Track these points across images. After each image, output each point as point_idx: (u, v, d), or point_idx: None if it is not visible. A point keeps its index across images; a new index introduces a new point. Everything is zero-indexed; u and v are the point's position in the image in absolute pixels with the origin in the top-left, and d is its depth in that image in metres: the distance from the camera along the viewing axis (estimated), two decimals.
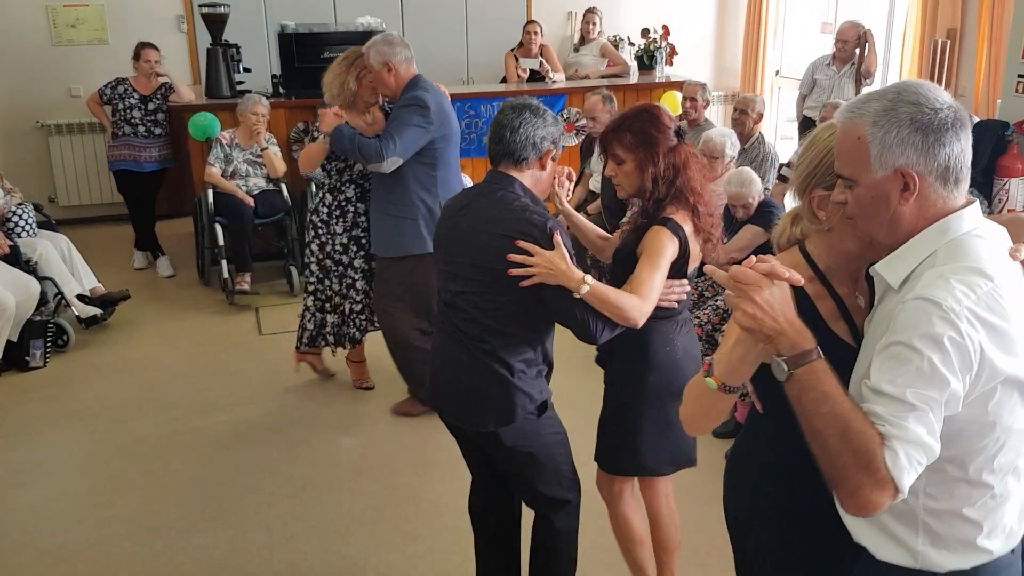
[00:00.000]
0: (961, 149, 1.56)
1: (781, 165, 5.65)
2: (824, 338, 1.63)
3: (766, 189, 5.35)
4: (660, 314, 2.64)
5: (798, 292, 1.64)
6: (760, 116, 5.79)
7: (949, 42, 6.17)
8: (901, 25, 7.29)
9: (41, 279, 5.23)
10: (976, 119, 4.99)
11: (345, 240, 4.42)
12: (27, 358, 5.08)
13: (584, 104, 6.00)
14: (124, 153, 6.48)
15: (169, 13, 7.77)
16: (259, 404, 4.67)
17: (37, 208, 5.86)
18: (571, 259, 2.48)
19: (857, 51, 6.76)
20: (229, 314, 5.88)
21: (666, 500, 3.01)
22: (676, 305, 2.70)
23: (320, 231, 4.44)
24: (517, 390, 2.60)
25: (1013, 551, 1.70)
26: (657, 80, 7.80)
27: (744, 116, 5.70)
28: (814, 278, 1.77)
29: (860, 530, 1.71)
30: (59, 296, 5.37)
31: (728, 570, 2.18)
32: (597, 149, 5.65)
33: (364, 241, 4.43)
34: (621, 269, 2.65)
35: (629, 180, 2.65)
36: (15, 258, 5.17)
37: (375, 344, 4.63)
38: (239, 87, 6.85)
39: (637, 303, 2.49)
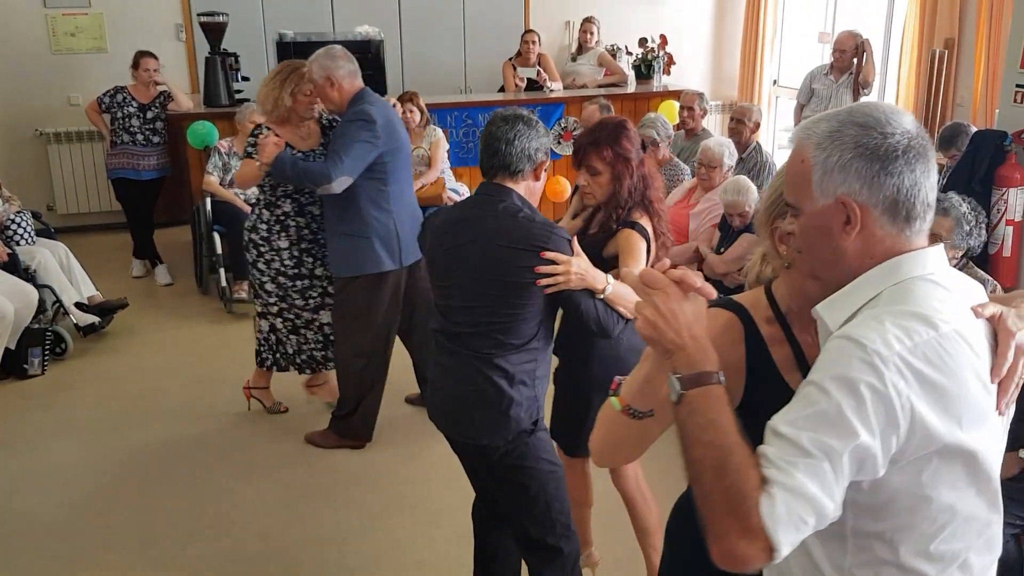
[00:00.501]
0: (915, 182, 1.35)
1: None
2: (774, 387, 1.50)
3: None
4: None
5: (752, 334, 1.52)
6: (757, 125, 5.80)
7: (947, 52, 6.19)
8: (899, 35, 7.31)
9: (39, 287, 5.23)
10: (974, 129, 5.00)
11: (296, 253, 4.21)
12: (25, 366, 5.07)
13: (582, 113, 6.01)
14: (123, 161, 6.49)
15: (168, 22, 7.79)
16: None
17: (36, 216, 5.86)
18: None
19: (855, 61, 6.77)
20: (227, 322, 5.88)
21: (636, 483, 3.08)
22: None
23: (262, 248, 4.22)
24: (514, 402, 2.60)
25: None
26: (655, 89, 7.83)
27: (741, 125, 5.71)
28: (773, 320, 1.57)
29: None
30: (57, 304, 5.37)
31: None
32: None
33: (316, 251, 4.24)
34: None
35: (602, 190, 2.86)
36: (14, 266, 5.17)
37: None
38: (237, 96, 6.87)
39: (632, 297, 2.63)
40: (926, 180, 1.36)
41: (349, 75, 3.98)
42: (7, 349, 4.92)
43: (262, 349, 4.49)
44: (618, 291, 2.59)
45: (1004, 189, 4.40)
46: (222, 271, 5.98)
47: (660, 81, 8.01)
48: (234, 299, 5.94)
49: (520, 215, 2.56)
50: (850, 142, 1.35)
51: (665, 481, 3.06)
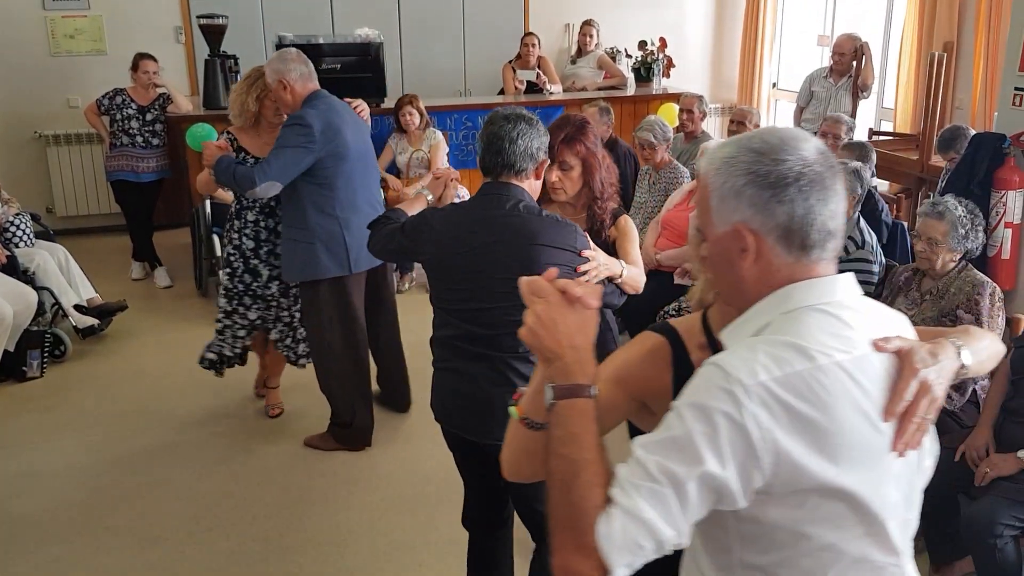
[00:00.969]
0: (808, 209, 1.30)
1: None
2: None
3: None
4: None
5: (681, 359, 1.49)
6: (757, 127, 5.80)
7: (946, 55, 6.19)
8: (898, 38, 7.32)
9: (38, 289, 5.22)
10: (973, 132, 5.00)
11: (260, 253, 4.25)
12: (24, 368, 5.07)
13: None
14: (122, 163, 6.49)
15: (167, 24, 7.79)
16: (255, 415, 4.66)
17: (35, 218, 5.86)
18: None
19: (854, 64, 6.78)
20: None
21: None
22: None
23: (235, 243, 4.28)
24: None
25: None
26: (654, 92, 7.83)
27: (741, 127, 5.71)
28: (706, 347, 1.50)
29: None
30: (56, 306, 5.37)
31: None
32: None
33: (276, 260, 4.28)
34: None
35: (572, 185, 2.97)
36: (13, 268, 5.17)
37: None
38: None
39: (639, 275, 2.91)
40: (823, 208, 1.32)
41: (301, 77, 3.94)
42: (6, 351, 4.91)
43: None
44: (631, 273, 2.85)
45: (1003, 192, 4.40)
46: (221, 273, 5.97)
47: (660, 84, 8.01)
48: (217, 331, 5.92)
49: (543, 215, 2.59)
50: (743, 168, 1.32)
51: None
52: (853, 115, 6.77)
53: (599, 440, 1.29)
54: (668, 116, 6.53)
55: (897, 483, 1.34)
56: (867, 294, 3.94)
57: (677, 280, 4.91)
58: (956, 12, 6.71)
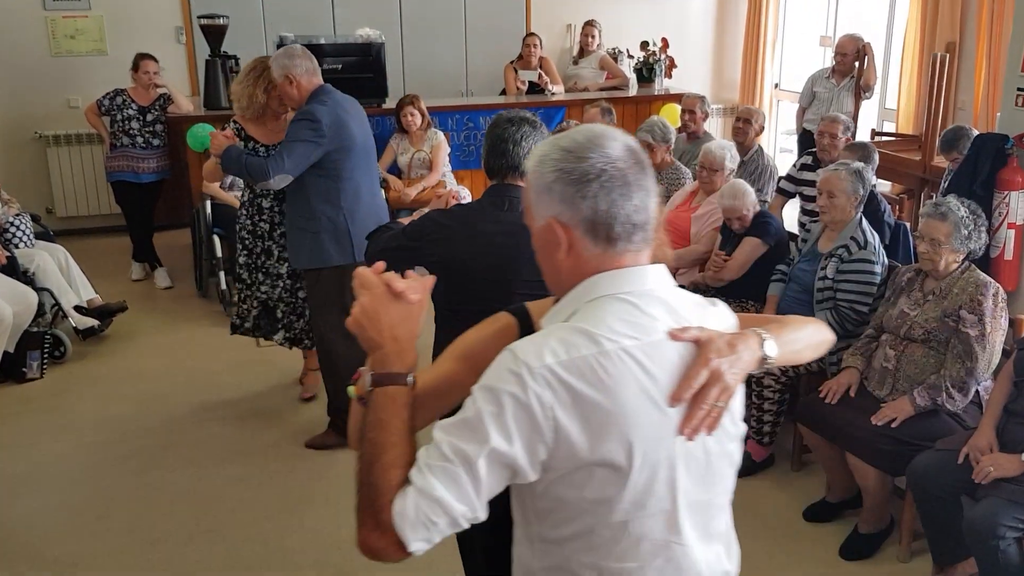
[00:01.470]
0: (611, 204, 1.39)
1: (780, 178, 5.65)
2: None
3: (764, 201, 5.35)
4: None
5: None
6: (762, 128, 5.81)
7: (948, 55, 6.17)
8: (900, 38, 7.31)
9: (38, 290, 5.21)
10: (975, 132, 4.99)
11: (272, 239, 4.54)
12: (24, 369, 5.06)
13: (583, 117, 6.01)
14: (122, 164, 6.48)
15: (168, 24, 7.79)
16: (255, 416, 4.65)
17: (35, 219, 5.85)
18: None
19: (856, 64, 6.77)
20: (226, 325, 5.82)
21: None
22: None
23: (247, 229, 4.57)
24: None
25: None
26: (656, 93, 7.83)
27: (747, 125, 5.70)
28: None
29: None
30: (56, 307, 5.36)
31: None
32: None
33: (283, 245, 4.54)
34: None
35: None
36: (12, 269, 5.16)
37: None
38: None
39: None
40: (626, 202, 1.40)
41: (307, 72, 4.05)
42: (6, 352, 4.90)
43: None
44: None
45: (1005, 192, 4.38)
46: (222, 274, 5.97)
47: (662, 84, 8.00)
48: (233, 302, 5.92)
49: None
50: (552, 166, 1.41)
51: None
52: (855, 116, 6.76)
53: (407, 426, 1.37)
54: (670, 117, 6.52)
55: (687, 465, 1.42)
56: (870, 295, 3.92)
57: (678, 281, 4.90)
58: (958, 12, 6.70)
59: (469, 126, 7.20)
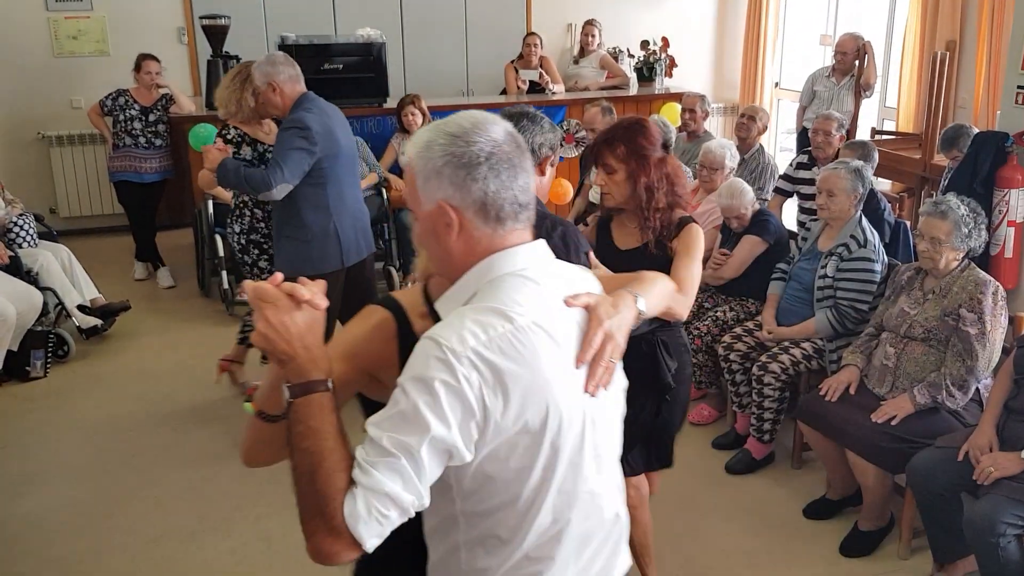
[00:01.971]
0: (501, 185, 1.46)
1: (780, 177, 5.66)
2: None
3: (765, 200, 5.37)
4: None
5: (405, 330, 1.59)
6: (765, 128, 5.81)
7: (948, 54, 6.18)
8: (900, 37, 7.32)
9: (42, 289, 5.23)
10: (976, 130, 4.99)
11: (243, 241, 4.65)
12: (27, 368, 5.08)
13: (584, 116, 6.02)
14: (125, 164, 6.50)
15: (170, 25, 7.80)
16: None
17: (38, 219, 5.86)
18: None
19: (856, 63, 6.78)
20: (229, 325, 5.86)
21: (640, 504, 3.03)
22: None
23: (265, 246, 4.68)
24: None
25: None
26: (656, 92, 7.84)
27: (751, 122, 5.70)
28: (427, 315, 1.61)
29: None
30: (60, 306, 5.38)
31: None
32: None
33: (265, 246, 4.62)
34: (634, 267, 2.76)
35: (619, 189, 2.82)
36: (16, 268, 5.18)
37: None
38: None
39: (687, 303, 2.63)
40: (513, 183, 1.48)
41: (290, 79, 4.05)
42: (10, 351, 4.92)
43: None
44: (655, 304, 2.54)
45: (1005, 190, 4.39)
46: (224, 273, 5.99)
47: (662, 83, 8.01)
48: (236, 301, 5.95)
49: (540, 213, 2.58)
50: (439, 151, 1.46)
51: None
52: (856, 114, 6.78)
53: (339, 429, 1.38)
54: (670, 116, 6.53)
55: (592, 420, 1.51)
56: (870, 293, 3.93)
57: None
58: (958, 11, 6.71)
59: None
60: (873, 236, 3.99)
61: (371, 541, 1.34)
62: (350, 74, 6.86)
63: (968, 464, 3.12)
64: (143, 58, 6.55)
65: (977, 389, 3.44)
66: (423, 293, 1.66)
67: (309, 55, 6.75)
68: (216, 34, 6.83)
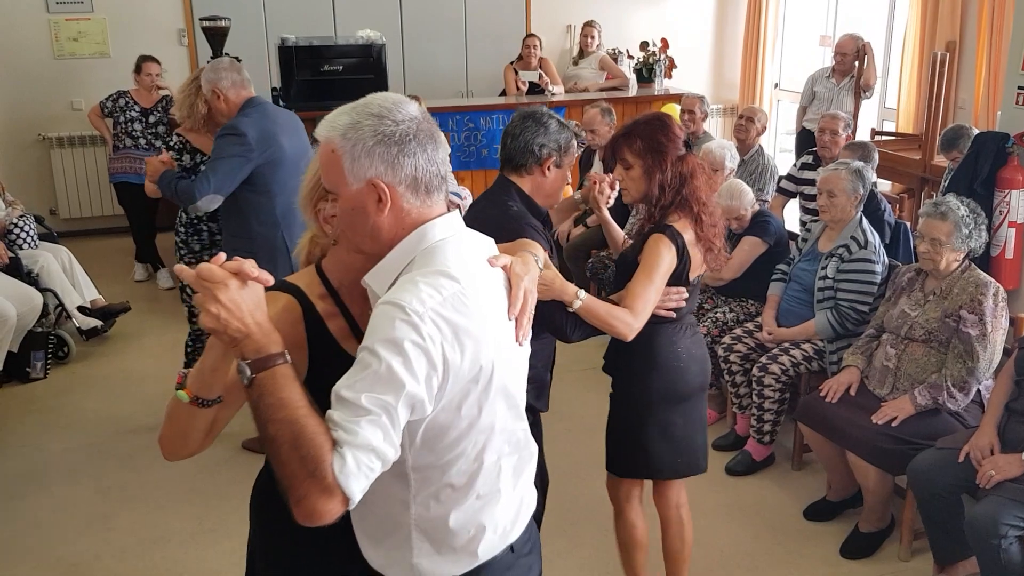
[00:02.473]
0: (429, 160, 1.57)
1: (780, 177, 5.66)
2: (335, 357, 1.62)
3: (764, 201, 5.36)
4: (663, 318, 2.71)
5: (310, 312, 1.66)
6: (764, 128, 5.81)
7: (948, 54, 6.18)
8: (900, 37, 7.32)
9: (42, 291, 5.23)
10: (976, 131, 4.99)
11: (206, 258, 4.38)
12: (28, 369, 5.08)
13: (583, 117, 6.02)
14: (125, 165, 6.50)
15: (170, 26, 7.80)
16: None
17: (38, 220, 5.87)
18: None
19: (856, 64, 6.78)
20: None
21: (676, 510, 3.01)
22: (673, 314, 2.74)
23: (182, 251, 4.49)
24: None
25: (513, 549, 1.73)
26: (656, 93, 7.83)
27: (749, 124, 5.69)
28: (326, 295, 1.71)
29: (359, 537, 1.71)
30: (60, 308, 5.38)
31: None
32: (597, 160, 5.67)
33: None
34: (623, 275, 2.74)
35: (636, 185, 2.73)
36: (16, 269, 5.18)
37: None
38: None
39: (628, 319, 2.55)
40: (435, 156, 1.59)
41: (234, 85, 3.94)
42: (10, 352, 4.92)
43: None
44: (590, 308, 2.49)
45: (1006, 191, 4.39)
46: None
47: (661, 84, 8.01)
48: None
49: (502, 207, 2.59)
50: (369, 131, 1.53)
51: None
52: (855, 115, 6.77)
53: (306, 397, 1.44)
54: None
55: (514, 365, 1.67)
56: (870, 294, 3.93)
57: None
58: (958, 11, 6.71)
59: (469, 127, 7.21)
60: (874, 237, 3.98)
61: (358, 496, 1.41)
62: (350, 75, 6.87)
63: (969, 465, 3.11)
64: (143, 60, 6.56)
65: (978, 390, 3.44)
66: (317, 274, 1.74)
67: (309, 56, 6.77)
68: (216, 36, 6.82)
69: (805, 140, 6.75)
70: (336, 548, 1.75)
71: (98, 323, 5.51)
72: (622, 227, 3.45)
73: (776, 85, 9.04)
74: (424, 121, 1.58)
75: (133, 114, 6.49)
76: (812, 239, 4.21)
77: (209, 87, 3.93)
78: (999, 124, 4.76)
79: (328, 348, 1.66)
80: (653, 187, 2.69)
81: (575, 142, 2.68)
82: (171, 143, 4.27)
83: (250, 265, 1.46)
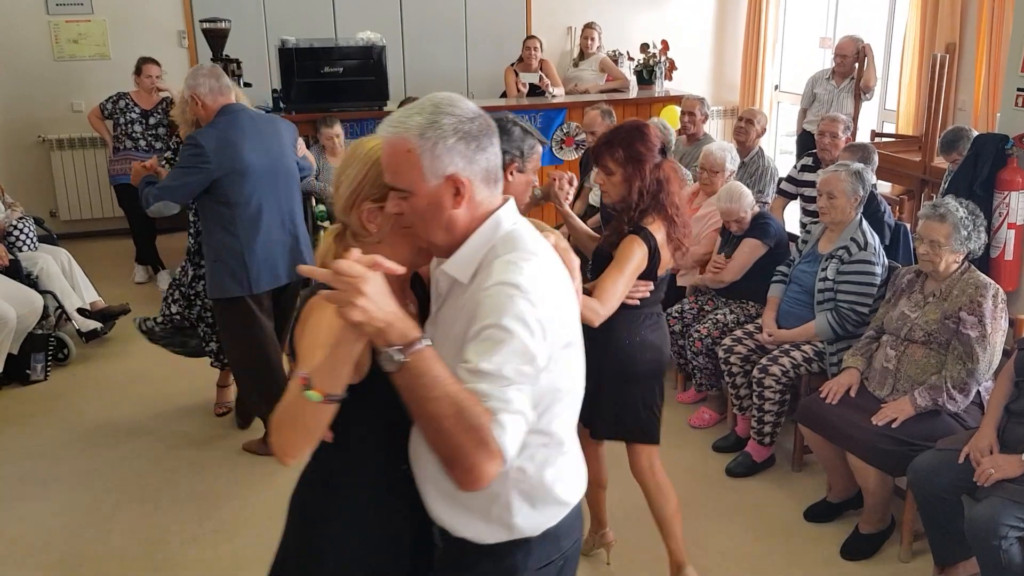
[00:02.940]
0: (496, 153, 1.69)
1: (780, 179, 5.66)
2: None
3: (765, 203, 5.36)
4: (626, 305, 2.94)
5: None
6: (763, 130, 5.81)
7: (948, 56, 6.19)
8: (900, 39, 7.32)
9: (42, 293, 5.23)
10: (975, 133, 4.99)
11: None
12: (28, 371, 5.09)
13: (583, 118, 6.02)
14: (125, 167, 6.48)
15: (170, 28, 7.81)
16: (257, 418, 4.66)
17: (38, 222, 5.87)
18: None
19: (856, 66, 6.78)
20: None
21: (652, 474, 3.20)
22: (638, 303, 2.99)
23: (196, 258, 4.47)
24: None
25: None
26: (656, 95, 7.83)
27: (749, 126, 5.70)
28: None
29: (446, 515, 1.80)
30: (60, 310, 5.38)
31: None
32: None
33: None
34: (598, 267, 2.99)
35: (616, 190, 2.99)
36: (16, 271, 5.18)
37: None
38: None
39: (597, 308, 2.78)
40: (495, 149, 1.70)
41: (211, 92, 3.93)
42: (10, 355, 4.92)
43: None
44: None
45: (1006, 193, 4.40)
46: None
47: (662, 86, 8.01)
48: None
49: None
50: (450, 129, 1.62)
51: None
52: (855, 117, 6.78)
53: (452, 373, 1.53)
54: (670, 119, 6.53)
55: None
56: (870, 296, 3.93)
57: (679, 282, 4.92)
58: (958, 13, 6.72)
59: None
60: (873, 239, 3.98)
61: (514, 457, 1.54)
62: (350, 77, 6.87)
63: (969, 467, 3.11)
64: (143, 62, 6.57)
65: (978, 392, 3.44)
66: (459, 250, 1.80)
67: (310, 58, 6.76)
68: (216, 38, 6.83)
69: (806, 142, 6.75)
70: (403, 524, 1.87)
71: (98, 325, 5.51)
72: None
73: (776, 87, 9.05)
74: (486, 117, 1.69)
75: (133, 116, 6.49)
76: (812, 241, 4.21)
77: (188, 92, 3.92)
78: (999, 126, 4.76)
79: None
80: (632, 192, 2.93)
81: (539, 148, 2.75)
82: (172, 146, 4.29)
83: (380, 256, 1.52)
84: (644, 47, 8.12)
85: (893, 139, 6.95)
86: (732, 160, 4.99)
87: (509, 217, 1.72)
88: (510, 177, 2.71)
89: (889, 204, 4.89)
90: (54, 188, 7.71)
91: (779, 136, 9.15)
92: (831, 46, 7.60)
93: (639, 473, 3.19)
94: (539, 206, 4.22)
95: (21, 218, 5.58)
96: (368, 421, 1.79)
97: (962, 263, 3.48)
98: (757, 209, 4.57)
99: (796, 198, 5.57)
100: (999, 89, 5.66)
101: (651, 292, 3.01)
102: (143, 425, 4.62)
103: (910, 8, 7.07)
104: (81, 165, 7.70)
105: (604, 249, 3.02)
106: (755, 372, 4.07)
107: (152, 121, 6.53)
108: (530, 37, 7.92)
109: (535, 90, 7.74)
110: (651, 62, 8.04)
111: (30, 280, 5.26)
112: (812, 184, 5.29)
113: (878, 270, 3.92)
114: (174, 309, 4.48)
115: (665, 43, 8.07)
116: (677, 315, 4.71)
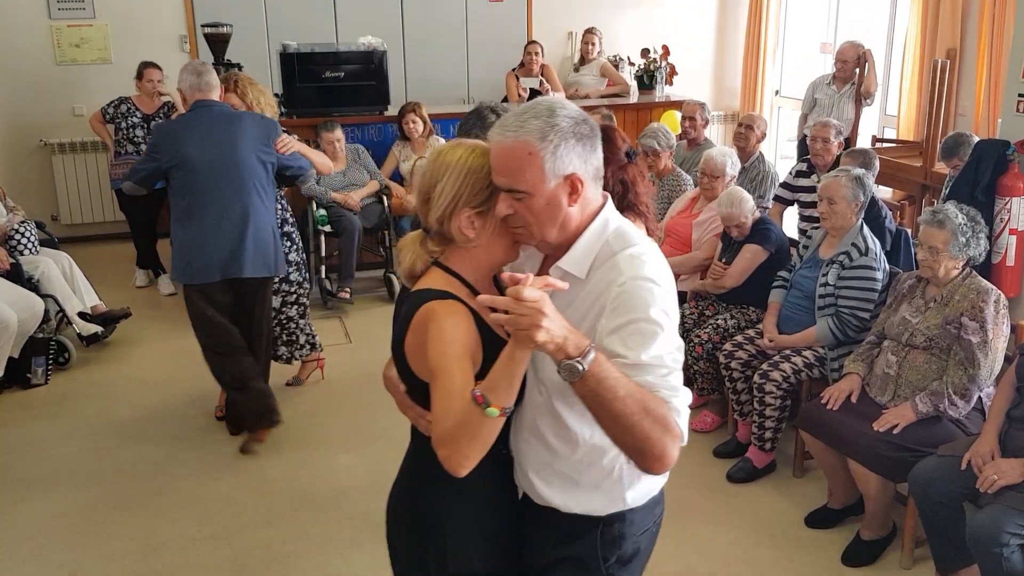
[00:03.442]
0: (600, 154, 1.79)
1: (779, 185, 5.66)
2: (498, 344, 1.68)
3: (765, 208, 5.37)
4: None
5: (472, 311, 1.76)
6: (763, 135, 5.82)
7: (949, 62, 6.19)
8: (901, 45, 7.33)
9: (43, 296, 5.24)
10: (976, 138, 4.99)
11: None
12: (29, 375, 5.09)
13: None
14: (126, 171, 6.50)
15: (172, 33, 7.82)
16: None
17: (39, 226, 5.88)
18: None
19: (857, 71, 6.79)
20: None
21: None
22: None
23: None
24: None
25: None
26: (657, 100, 7.85)
27: (749, 131, 5.71)
28: (469, 294, 1.82)
29: (558, 496, 1.88)
30: (61, 314, 5.38)
31: None
32: None
33: (295, 236, 4.82)
34: None
35: None
36: (17, 275, 5.18)
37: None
38: None
39: None
40: (601, 151, 1.80)
41: (189, 88, 4.12)
42: (11, 358, 4.92)
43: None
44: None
45: (1007, 198, 4.40)
46: None
47: (662, 91, 8.02)
48: None
49: None
50: (570, 132, 1.71)
51: None
52: (856, 122, 6.78)
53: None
54: (671, 124, 6.54)
55: None
56: (871, 301, 3.93)
57: (680, 287, 4.92)
58: (959, 19, 6.72)
59: None
60: (874, 244, 3.98)
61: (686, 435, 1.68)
62: (351, 82, 6.88)
63: (970, 473, 3.11)
64: (145, 66, 6.57)
65: (979, 398, 3.43)
66: (448, 274, 1.84)
67: (311, 63, 6.77)
68: (218, 42, 6.83)
69: (806, 147, 6.75)
70: (512, 511, 1.99)
71: (99, 329, 5.51)
72: None
73: (777, 92, 9.05)
74: (590, 119, 1.77)
75: (135, 120, 6.50)
76: (813, 246, 4.21)
77: (177, 85, 4.19)
78: (999, 131, 4.77)
79: (493, 338, 1.75)
80: None
81: None
82: None
83: (551, 278, 1.62)
84: (645, 52, 8.13)
85: (894, 144, 6.95)
86: (733, 165, 4.99)
87: (614, 213, 1.82)
88: None
89: (890, 209, 4.89)
90: (55, 192, 7.72)
91: (780, 141, 9.16)
92: (832, 51, 7.61)
93: None
94: None
95: (22, 222, 5.59)
96: None
97: (963, 269, 3.48)
98: (758, 214, 4.56)
99: (792, 204, 5.57)
100: (1000, 94, 5.66)
101: None
102: (143, 429, 4.62)
103: (911, 13, 7.08)
104: (83, 169, 7.72)
105: None
106: (756, 378, 4.06)
107: (153, 125, 6.52)
108: (531, 42, 7.92)
109: (536, 95, 7.73)
110: (652, 67, 8.05)
111: (31, 284, 5.27)
112: (807, 189, 5.30)
113: (879, 275, 3.92)
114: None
115: (666, 48, 8.08)
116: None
